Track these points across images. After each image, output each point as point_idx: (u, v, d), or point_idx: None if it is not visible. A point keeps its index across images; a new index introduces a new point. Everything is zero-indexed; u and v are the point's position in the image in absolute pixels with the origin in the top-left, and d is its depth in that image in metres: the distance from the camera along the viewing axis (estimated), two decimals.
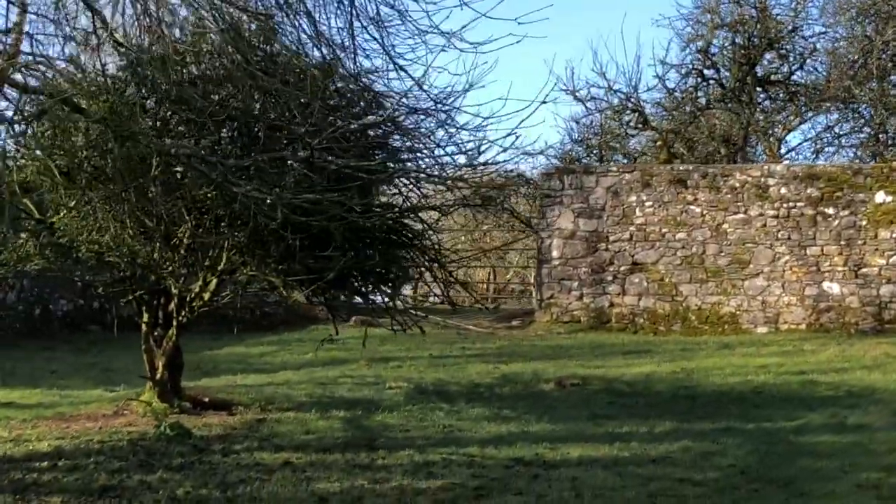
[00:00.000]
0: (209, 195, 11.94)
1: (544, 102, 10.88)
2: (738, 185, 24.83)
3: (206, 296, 13.97)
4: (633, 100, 31.02)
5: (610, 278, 25.40)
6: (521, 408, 15.08)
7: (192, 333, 24.23)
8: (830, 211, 24.42)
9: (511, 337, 24.56)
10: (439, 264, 14.35)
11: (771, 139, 32.16)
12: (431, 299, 24.08)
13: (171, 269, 13.21)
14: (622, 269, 25.33)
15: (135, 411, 14.18)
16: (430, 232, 14.83)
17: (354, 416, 14.10)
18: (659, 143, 30.52)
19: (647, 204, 25.26)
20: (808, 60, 31.22)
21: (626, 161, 32.03)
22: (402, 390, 16.55)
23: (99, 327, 24.61)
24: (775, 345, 22.03)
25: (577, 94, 30.98)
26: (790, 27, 30.96)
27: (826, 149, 33.19)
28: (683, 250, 25.07)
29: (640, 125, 31.52)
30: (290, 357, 21.17)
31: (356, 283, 13.59)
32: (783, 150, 33.27)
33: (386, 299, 14.11)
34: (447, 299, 15.06)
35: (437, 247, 14.15)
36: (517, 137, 12.51)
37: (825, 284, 24.37)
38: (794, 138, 34.11)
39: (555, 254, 25.68)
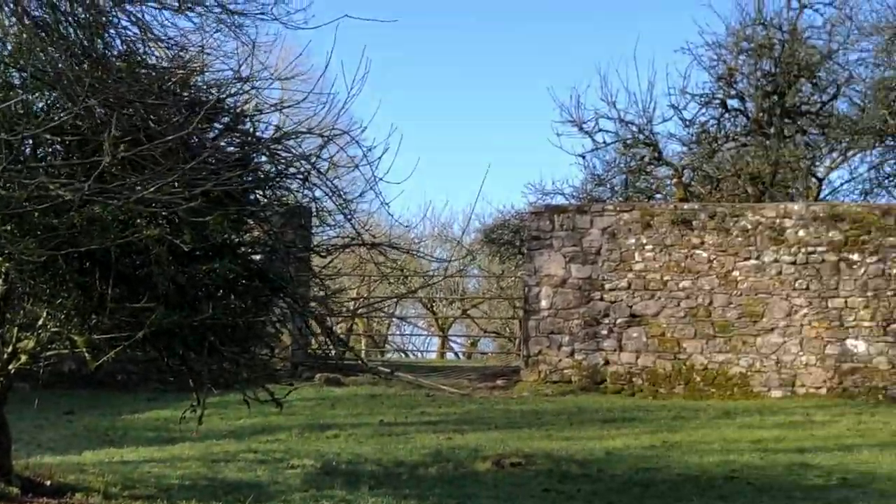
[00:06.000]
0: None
1: None
2: (749, 226, 21.77)
3: (24, 357, 11.28)
4: (645, 132, 28.08)
5: (605, 332, 22.39)
6: (433, 497, 12.36)
7: (129, 391, 22.00)
8: (856, 257, 21.29)
9: (488, 399, 21.66)
10: (315, 317, 11.60)
11: (807, 178, 29.02)
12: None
13: None
14: (619, 321, 22.31)
15: None
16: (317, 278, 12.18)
17: None
18: (674, 180, 27.54)
19: (648, 248, 22.27)
20: (844, 89, 28.11)
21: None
22: (304, 470, 13.90)
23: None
24: (784, 413, 19.05)
25: (583, 125, 28.07)
26: (824, 52, 27.91)
27: (875, 190, 29.99)
28: (688, 301, 22.01)
29: (654, 161, 28.56)
30: (221, 423, 18.42)
31: (189, 342, 10.77)
32: (825, 192, 30.07)
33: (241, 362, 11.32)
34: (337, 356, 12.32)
35: (302, 295, 11.35)
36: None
37: (849, 342, 21.19)
38: (838, 179, 30.83)
39: (543, 304, 22.73)
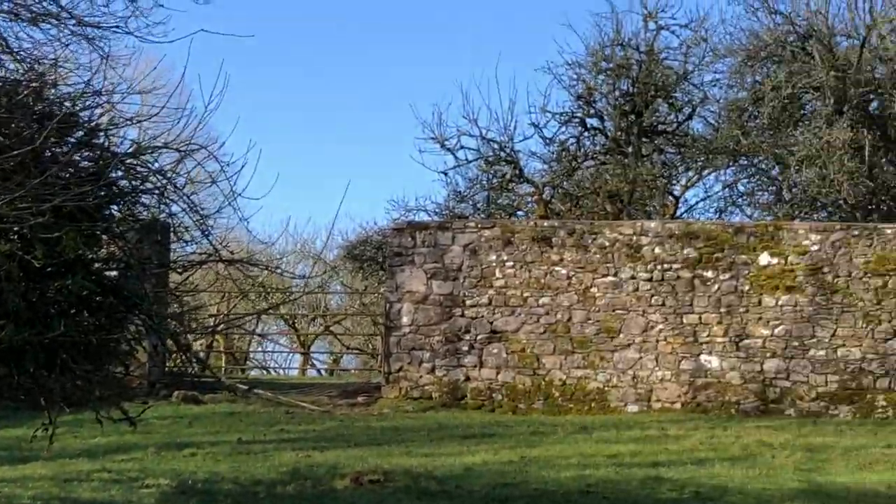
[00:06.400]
0: None
1: None
2: (607, 243, 22.07)
3: None
4: (507, 150, 28.36)
5: (466, 348, 22.47)
6: None
7: None
8: (709, 274, 21.70)
9: (348, 416, 21.58)
10: (171, 334, 11.45)
11: (664, 196, 29.57)
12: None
13: None
14: (480, 337, 22.40)
15: None
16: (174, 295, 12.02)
17: None
18: (535, 197, 27.84)
19: (509, 264, 22.42)
20: (699, 109, 28.85)
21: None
22: (159, 490, 13.71)
23: None
24: (640, 427, 19.32)
25: (445, 142, 28.22)
26: (680, 73, 28.53)
27: (729, 208, 30.71)
28: (547, 317, 22.20)
29: (515, 178, 28.82)
30: (74, 442, 18.03)
31: (40, 360, 10.53)
32: (682, 210, 30.70)
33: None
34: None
35: (158, 312, 11.18)
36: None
37: (703, 357, 21.59)
38: (693, 197, 31.46)
39: (405, 320, 22.73)
